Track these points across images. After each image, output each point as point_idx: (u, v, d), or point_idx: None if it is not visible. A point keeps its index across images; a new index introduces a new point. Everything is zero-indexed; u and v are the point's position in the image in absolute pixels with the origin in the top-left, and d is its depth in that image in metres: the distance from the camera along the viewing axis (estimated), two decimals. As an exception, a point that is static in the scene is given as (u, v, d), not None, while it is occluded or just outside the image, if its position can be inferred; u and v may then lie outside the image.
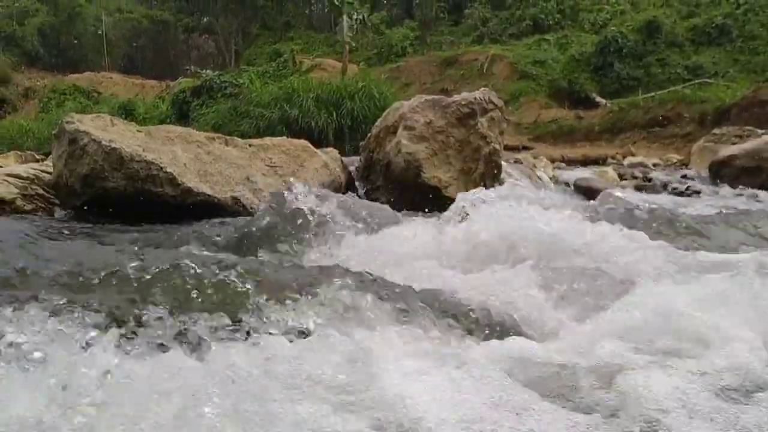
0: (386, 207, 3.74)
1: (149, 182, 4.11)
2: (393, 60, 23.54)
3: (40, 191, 4.52)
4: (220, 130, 8.57)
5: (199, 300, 2.15)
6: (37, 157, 9.42)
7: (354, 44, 22.35)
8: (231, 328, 2.04)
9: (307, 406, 1.48)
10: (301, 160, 4.90)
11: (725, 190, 7.07)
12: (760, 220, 3.88)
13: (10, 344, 1.77)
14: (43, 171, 4.68)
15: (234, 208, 4.20)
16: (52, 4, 31.18)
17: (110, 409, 1.44)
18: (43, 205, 4.48)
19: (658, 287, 2.22)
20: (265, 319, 2.11)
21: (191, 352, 1.90)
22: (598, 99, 17.78)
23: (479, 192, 3.47)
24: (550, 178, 7.24)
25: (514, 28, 23.40)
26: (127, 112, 17.36)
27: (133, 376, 1.63)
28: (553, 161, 10.06)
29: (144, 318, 2.01)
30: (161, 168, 4.11)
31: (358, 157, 5.85)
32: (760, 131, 9.00)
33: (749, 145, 7.72)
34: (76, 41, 31.78)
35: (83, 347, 1.83)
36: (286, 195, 3.47)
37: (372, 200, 4.85)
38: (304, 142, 5.25)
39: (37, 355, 1.75)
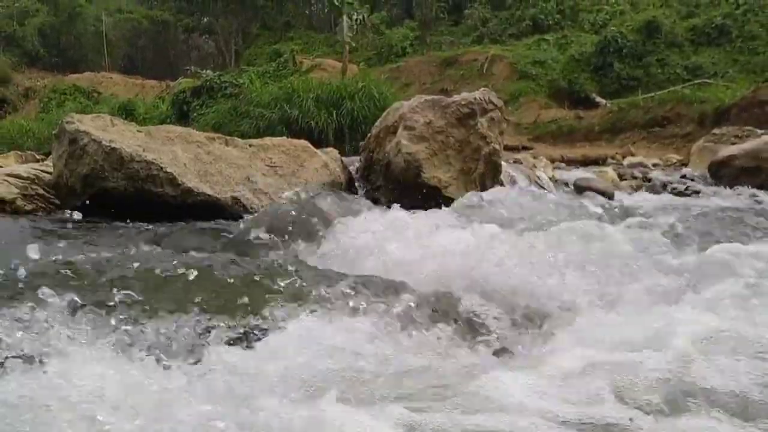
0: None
1: (149, 182, 4.11)
2: (393, 60, 23.52)
3: (41, 191, 4.53)
4: (220, 131, 8.57)
5: (199, 300, 2.15)
6: (38, 157, 9.43)
7: (354, 44, 22.34)
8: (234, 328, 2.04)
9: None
10: (301, 160, 4.90)
11: (725, 190, 7.07)
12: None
13: (8, 346, 1.77)
14: (43, 171, 4.69)
15: (234, 208, 4.20)
16: (53, 5, 31.17)
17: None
18: (43, 205, 4.48)
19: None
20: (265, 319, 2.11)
21: (189, 353, 1.91)
22: (598, 99, 17.77)
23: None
24: (550, 179, 7.23)
25: (514, 28, 23.38)
26: (127, 112, 17.35)
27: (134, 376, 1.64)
28: (552, 161, 10.05)
29: (144, 318, 2.01)
30: (161, 168, 4.12)
31: (358, 157, 5.85)
32: (759, 131, 8.99)
33: (749, 145, 7.72)
34: (76, 41, 31.77)
35: (84, 347, 1.84)
36: (286, 195, 3.48)
37: (372, 200, 4.86)
38: (304, 142, 5.26)
39: (36, 355, 1.76)
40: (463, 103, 5.19)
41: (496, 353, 2.05)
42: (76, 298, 2.00)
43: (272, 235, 3.30)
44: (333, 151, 5.59)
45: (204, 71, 17.59)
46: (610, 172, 8.74)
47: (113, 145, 4.12)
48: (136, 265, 2.42)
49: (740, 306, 2.09)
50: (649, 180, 8.34)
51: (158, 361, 1.76)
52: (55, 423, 1.35)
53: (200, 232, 3.63)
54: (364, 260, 2.82)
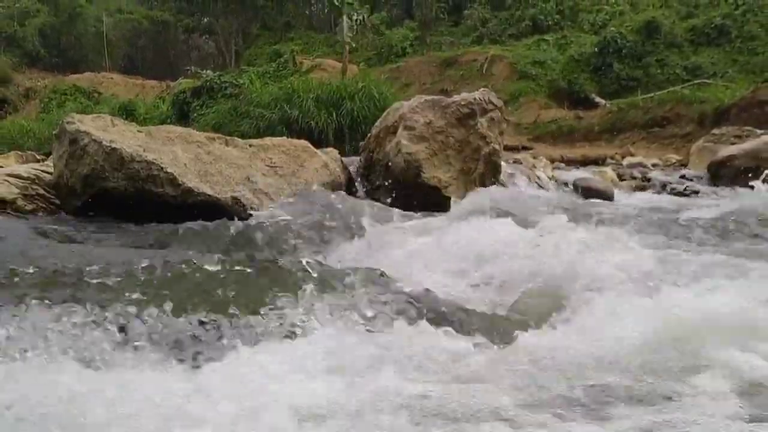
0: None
1: (150, 182, 4.12)
2: (393, 60, 23.50)
3: (41, 191, 4.53)
4: (221, 131, 8.56)
5: (200, 300, 2.16)
6: (38, 157, 9.43)
7: (354, 45, 22.31)
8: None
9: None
10: (301, 160, 4.91)
11: (724, 190, 7.07)
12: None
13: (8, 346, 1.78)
14: (43, 171, 4.69)
15: (234, 209, 4.21)
16: (53, 5, 31.16)
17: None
18: (43, 206, 4.49)
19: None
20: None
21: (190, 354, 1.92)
22: (598, 99, 17.76)
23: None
24: (550, 179, 7.24)
25: (514, 28, 23.37)
26: (127, 112, 17.34)
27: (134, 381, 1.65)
28: (552, 161, 10.05)
29: (145, 318, 2.02)
30: (162, 168, 4.12)
31: (358, 157, 5.86)
32: (759, 131, 8.98)
33: (748, 145, 7.73)
34: (76, 42, 31.77)
35: (84, 346, 1.85)
36: (286, 195, 3.49)
37: (372, 200, 4.87)
38: (304, 142, 5.27)
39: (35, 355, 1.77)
40: (463, 103, 5.20)
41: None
42: (75, 298, 2.01)
43: (273, 236, 3.31)
44: (333, 151, 5.60)
45: (204, 71, 17.58)
46: (609, 172, 8.74)
47: (114, 145, 4.13)
48: (136, 265, 2.43)
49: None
50: (649, 180, 8.34)
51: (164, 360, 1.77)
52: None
53: (200, 232, 3.64)
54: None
